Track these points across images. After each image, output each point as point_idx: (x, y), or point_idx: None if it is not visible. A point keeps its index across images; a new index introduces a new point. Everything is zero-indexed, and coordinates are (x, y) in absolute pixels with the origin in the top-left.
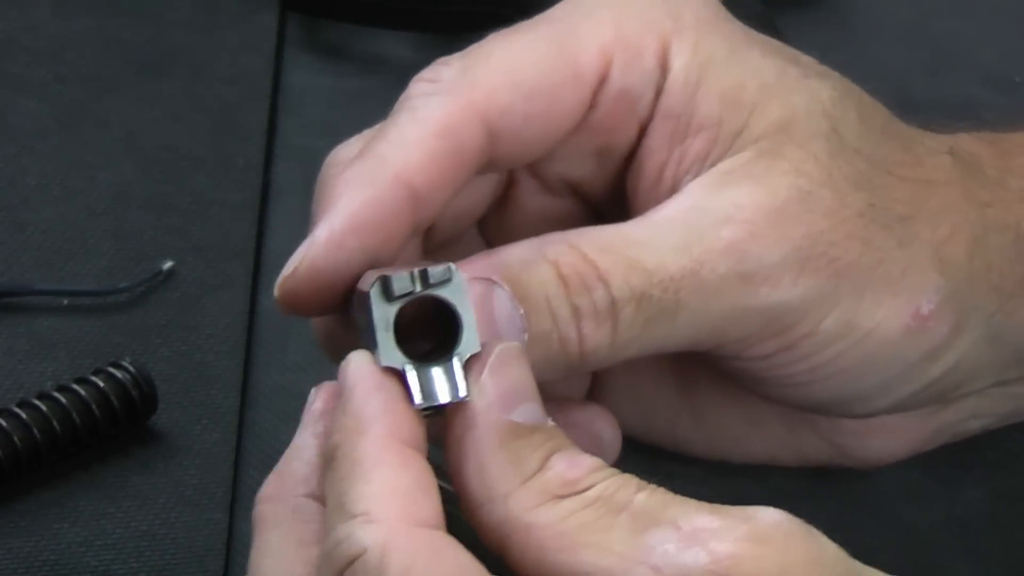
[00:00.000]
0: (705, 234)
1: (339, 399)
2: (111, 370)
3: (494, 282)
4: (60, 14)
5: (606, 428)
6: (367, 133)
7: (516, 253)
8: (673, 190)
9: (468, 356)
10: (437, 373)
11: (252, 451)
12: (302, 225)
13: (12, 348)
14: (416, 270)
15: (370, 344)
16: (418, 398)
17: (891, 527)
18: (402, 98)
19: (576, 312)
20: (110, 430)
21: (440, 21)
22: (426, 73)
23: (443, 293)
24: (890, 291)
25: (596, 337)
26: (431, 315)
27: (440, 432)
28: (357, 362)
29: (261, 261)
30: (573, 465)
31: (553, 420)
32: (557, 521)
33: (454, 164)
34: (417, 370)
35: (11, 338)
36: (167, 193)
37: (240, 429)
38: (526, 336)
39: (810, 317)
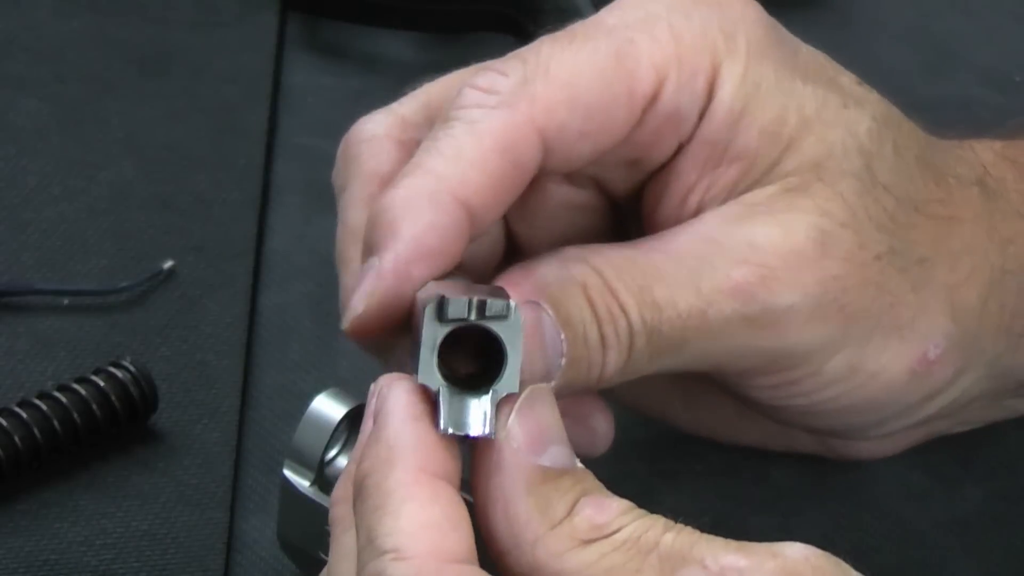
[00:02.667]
0: (716, 272)
1: (373, 424)
2: (112, 370)
3: (540, 305)
4: (60, 14)
5: (601, 421)
6: (393, 107)
7: (550, 272)
8: (695, 215)
9: (504, 395)
10: (469, 403)
11: (252, 451)
12: (303, 224)
13: (13, 348)
14: (475, 298)
15: (413, 355)
16: (444, 423)
17: (891, 527)
18: (455, 105)
19: (603, 340)
20: (111, 430)
21: (440, 21)
22: (480, 80)
23: (497, 328)
24: (898, 335)
25: (615, 364)
26: (478, 340)
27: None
28: (396, 391)
29: (261, 261)
30: (601, 509)
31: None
32: (586, 566)
33: (511, 181)
34: (451, 395)
35: (12, 338)
36: (167, 193)
37: (240, 429)
38: (563, 360)
39: (815, 359)
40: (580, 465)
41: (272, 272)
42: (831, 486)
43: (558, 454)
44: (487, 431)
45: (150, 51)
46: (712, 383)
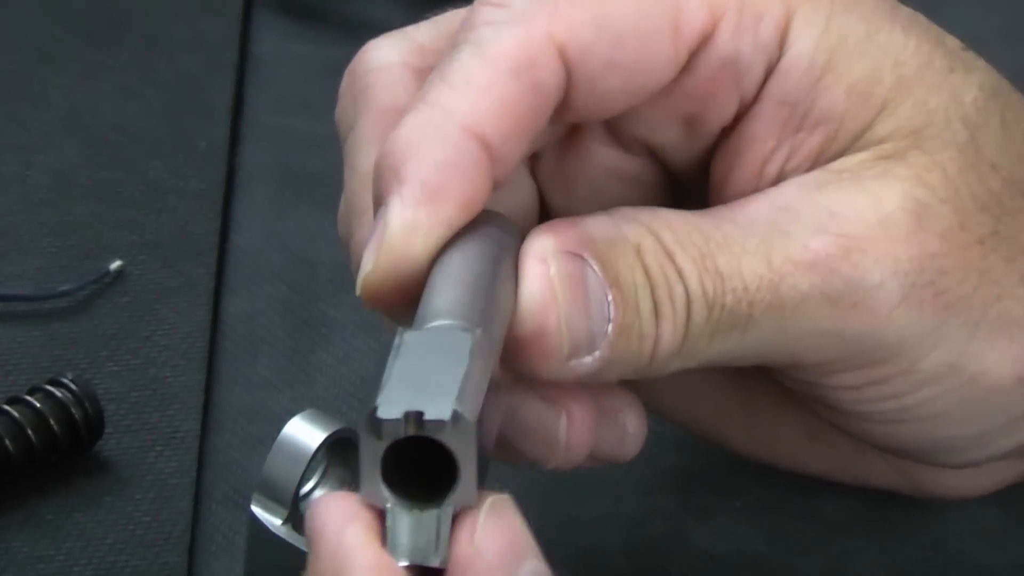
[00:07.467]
0: (790, 242)
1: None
2: (50, 388)
3: (585, 259)
4: None
5: (632, 419)
6: (408, 30)
7: (599, 228)
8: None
9: (460, 508)
10: (423, 520)
11: (215, 482)
12: (274, 218)
13: None
14: (411, 412)
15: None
16: (392, 550)
17: (962, 571)
18: (463, 27)
19: (657, 309)
20: (49, 458)
21: None
22: None
23: (443, 438)
24: (1006, 333)
25: (670, 341)
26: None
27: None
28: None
29: (225, 260)
30: None
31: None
32: None
33: (530, 108)
34: (398, 513)
35: None
36: (116, 181)
37: (201, 457)
38: (611, 327)
39: (907, 353)
40: None
41: (238, 274)
42: (892, 524)
43: (534, 569)
44: (439, 562)
45: (97, 16)
46: (779, 394)
